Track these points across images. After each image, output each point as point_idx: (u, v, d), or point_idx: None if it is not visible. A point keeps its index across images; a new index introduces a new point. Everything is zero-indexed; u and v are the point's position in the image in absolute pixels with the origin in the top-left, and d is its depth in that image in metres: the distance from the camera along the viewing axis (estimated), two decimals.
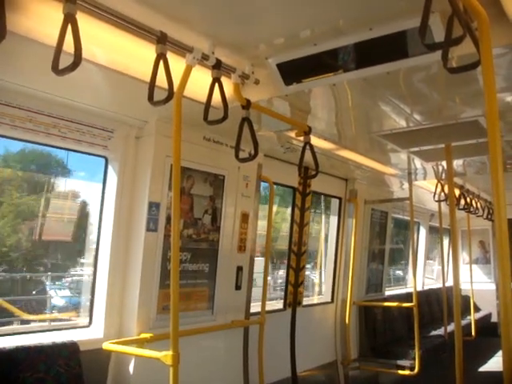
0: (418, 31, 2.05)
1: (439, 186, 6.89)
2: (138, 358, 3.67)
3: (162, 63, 2.80)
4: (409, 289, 9.35)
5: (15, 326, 4.04)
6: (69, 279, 7.02)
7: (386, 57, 3.01)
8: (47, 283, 7.06)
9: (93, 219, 4.10)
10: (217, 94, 3.16)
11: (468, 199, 8.20)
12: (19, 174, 5.59)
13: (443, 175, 6.66)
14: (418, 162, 6.00)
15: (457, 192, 7.52)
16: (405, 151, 5.38)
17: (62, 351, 3.36)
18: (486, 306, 11.15)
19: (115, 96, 3.61)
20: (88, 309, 3.93)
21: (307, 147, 4.04)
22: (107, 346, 3.51)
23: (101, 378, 3.73)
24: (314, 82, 3.41)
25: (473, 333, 9.17)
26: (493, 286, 11.01)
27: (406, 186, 7.32)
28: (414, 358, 6.53)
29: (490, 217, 9.32)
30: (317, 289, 8.57)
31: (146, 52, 2.85)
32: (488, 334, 9.78)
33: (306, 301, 6.50)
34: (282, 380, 5.57)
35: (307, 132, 4.07)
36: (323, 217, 7.84)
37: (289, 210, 6.54)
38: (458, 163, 6.04)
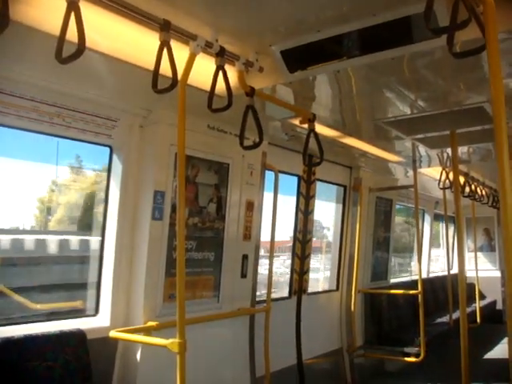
0: (423, 15, 2.05)
1: (444, 173, 6.88)
2: (144, 345, 3.69)
3: (165, 51, 2.79)
4: (414, 276, 9.37)
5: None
6: None
7: (391, 43, 3.00)
8: None
9: None
10: (221, 82, 3.16)
11: (473, 187, 8.18)
12: None
13: (448, 162, 6.65)
14: (422, 149, 5.99)
15: (461, 179, 7.51)
16: (409, 138, 5.37)
17: (69, 340, 3.38)
18: (491, 294, 11.17)
19: (119, 85, 3.60)
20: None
21: (312, 135, 4.03)
22: (114, 334, 3.53)
23: (108, 366, 3.75)
24: (319, 69, 3.41)
25: (478, 320, 9.20)
26: (498, 274, 11.02)
27: (410, 173, 7.32)
28: (419, 345, 6.56)
29: (495, 204, 9.31)
30: None
31: (150, 40, 2.85)
32: (493, 321, 9.80)
33: None
34: (287, 367, 5.60)
35: (312, 119, 4.06)
36: None
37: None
38: (462, 150, 6.03)
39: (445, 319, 8.45)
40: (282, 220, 5.14)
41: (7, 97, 3.13)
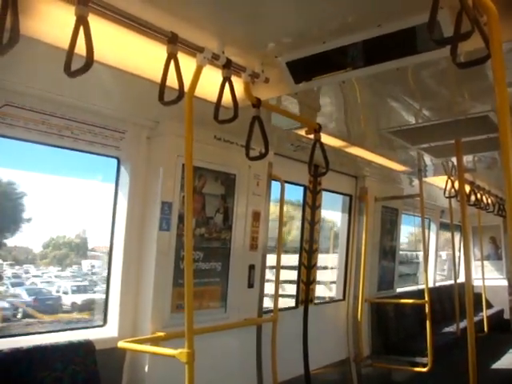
0: (427, 27, 2.07)
1: (449, 182, 6.88)
2: (152, 356, 3.69)
3: (172, 63, 2.83)
4: (420, 285, 9.33)
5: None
6: None
7: (395, 53, 3.02)
8: None
9: None
10: (227, 93, 3.19)
11: (478, 195, 8.17)
12: None
13: (453, 171, 6.65)
14: (427, 159, 6.00)
15: (467, 188, 7.50)
16: (414, 147, 5.38)
17: (78, 350, 3.39)
18: (498, 303, 11.10)
19: (126, 97, 3.64)
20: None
21: (317, 145, 4.06)
22: (122, 344, 3.54)
23: (116, 377, 3.76)
24: (324, 80, 3.43)
25: (485, 329, 9.14)
26: (505, 282, 10.95)
27: (415, 182, 7.32)
28: (426, 355, 6.53)
29: (501, 212, 9.29)
30: None
31: (157, 52, 2.89)
32: (500, 331, 9.74)
33: None
34: (295, 377, 5.59)
35: (317, 130, 4.08)
36: None
37: None
38: (468, 159, 6.03)
39: (452, 329, 8.40)
40: None
41: (16, 109, 3.16)
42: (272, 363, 4.83)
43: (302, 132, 4.31)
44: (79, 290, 5.36)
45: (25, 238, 4.55)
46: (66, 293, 5.38)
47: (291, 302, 6.13)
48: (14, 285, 5.06)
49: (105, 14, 2.59)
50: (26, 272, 5.08)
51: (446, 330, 8.52)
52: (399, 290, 8.34)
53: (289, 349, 5.47)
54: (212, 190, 4.31)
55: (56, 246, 5.08)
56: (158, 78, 2.86)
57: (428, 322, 6.50)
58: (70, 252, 5.21)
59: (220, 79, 3.19)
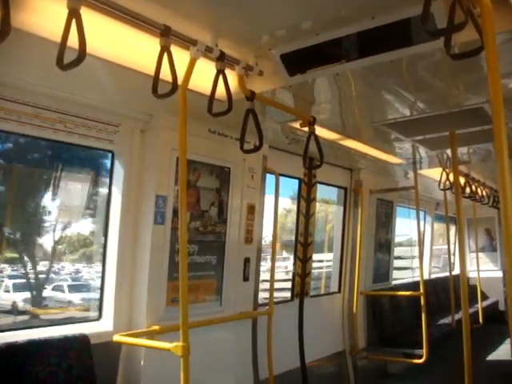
0: (420, 18, 2.07)
1: (444, 174, 6.88)
2: (148, 349, 3.69)
3: (166, 56, 2.82)
4: (416, 278, 9.37)
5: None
6: None
7: (389, 45, 3.01)
8: None
9: None
10: (221, 86, 3.17)
11: (473, 187, 8.18)
12: None
13: (448, 163, 6.66)
14: (422, 151, 6.00)
15: (462, 180, 7.51)
16: (409, 140, 5.38)
17: (73, 344, 3.39)
18: (493, 294, 11.15)
19: (120, 90, 3.61)
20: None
21: (312, 137, 4.05)
22: (118, 338, 3.55)
23: (112, 370, 3.76)
24: (318, 72, 3.42)
25: (480, 320, 9.18)
26: (499, 274, 10.99)
27: (410, 175, 7.33)
28: (422, 347, 6.55)
29: (495, 204, 9.31)
30: None
31: (150, 45, 2.87)
32: (495, 322, 9.79)
33: None
34: (291, 370, 5.60)
35: (312, 122, 4.08)
36: None
37: None
38: (462, 151, 6.03)
39: (447, 320, 8.43)
40: None
41: (9, 103, 3.15)
42: (268, 356, 4.84)
43: (297, 125, 4.31)
44: None
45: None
46: None
47: None
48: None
49: (97, 7, 2.57)
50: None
51: (442, 321, 8.55)
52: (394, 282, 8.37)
53: (285, 341, 5.48)
54: (206, 183, 4.31)
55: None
56: (152, 71, 2.85)
57: (423, 314, 6.52)
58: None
59: (214, 72, 3.18)
